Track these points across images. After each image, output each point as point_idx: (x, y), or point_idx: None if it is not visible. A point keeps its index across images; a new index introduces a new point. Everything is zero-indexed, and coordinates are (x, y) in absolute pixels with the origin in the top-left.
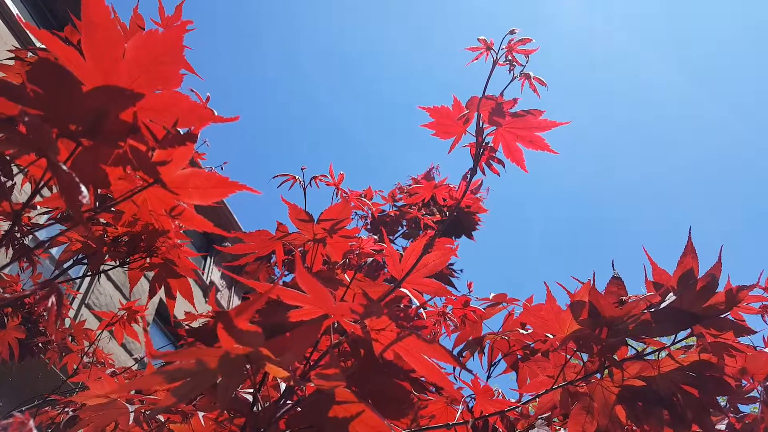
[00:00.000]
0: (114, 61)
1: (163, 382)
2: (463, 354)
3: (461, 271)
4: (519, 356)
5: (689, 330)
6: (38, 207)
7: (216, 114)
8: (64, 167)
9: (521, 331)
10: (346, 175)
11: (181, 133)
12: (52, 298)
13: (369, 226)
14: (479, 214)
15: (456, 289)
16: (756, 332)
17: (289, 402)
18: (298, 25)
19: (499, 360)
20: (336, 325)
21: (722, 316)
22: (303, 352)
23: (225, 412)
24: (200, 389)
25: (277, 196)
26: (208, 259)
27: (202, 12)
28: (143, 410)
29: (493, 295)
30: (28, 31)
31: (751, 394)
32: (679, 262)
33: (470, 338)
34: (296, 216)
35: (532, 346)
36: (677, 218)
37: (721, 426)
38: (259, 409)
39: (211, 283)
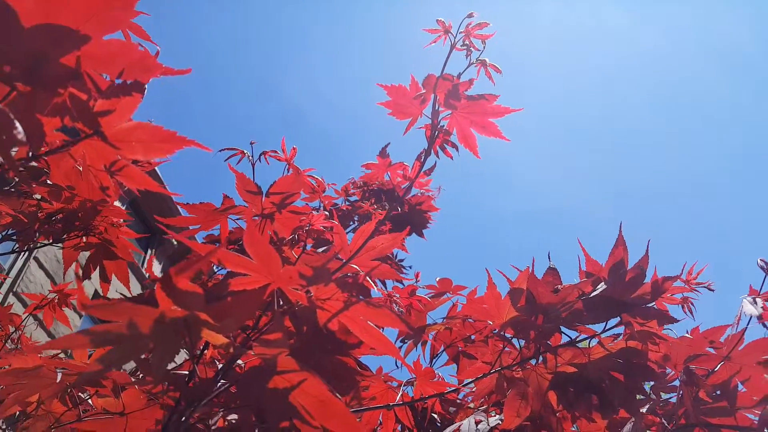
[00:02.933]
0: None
1: (90, 344)
2: (407, 342)
3: (410, 267)
4: (460, 348)
5: (619, 318)
6: None
7: (165, 66)
8: None
9: (469, 320)
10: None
11: (128, 83)
12: None
13: None
14: (431, 213)
15: (403, 285)
16: (678, 321)
17: (225, 380)
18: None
19: (442, 352)
20: (280, 302)
21: (648, 305)
22: (245, 319)
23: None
24: (131, 357)
25: (219, 191)
26: (149, 251)
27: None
28: (68, 383)
29: (438, 280)
30: None
31: (674, 383)
32: (610, 254)
33: (415, 327)
34: (244, 187)
35: (473, 338)
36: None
37: (644, 410)
38: (195, 383)
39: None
